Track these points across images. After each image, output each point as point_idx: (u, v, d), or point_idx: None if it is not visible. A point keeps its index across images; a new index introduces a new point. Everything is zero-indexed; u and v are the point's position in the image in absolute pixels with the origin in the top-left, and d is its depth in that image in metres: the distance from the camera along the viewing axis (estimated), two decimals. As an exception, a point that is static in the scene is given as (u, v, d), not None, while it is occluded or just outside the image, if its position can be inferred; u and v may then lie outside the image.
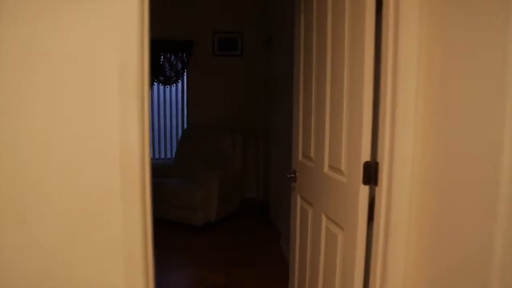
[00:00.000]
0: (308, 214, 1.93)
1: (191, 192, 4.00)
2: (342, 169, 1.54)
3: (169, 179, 4.38)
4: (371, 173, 1.36)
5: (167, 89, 5.24)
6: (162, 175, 4.53)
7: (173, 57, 5.06)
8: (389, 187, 1.29)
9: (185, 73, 5.20)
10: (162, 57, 5.04)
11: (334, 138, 1.61)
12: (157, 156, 5.38)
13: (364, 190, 1.39)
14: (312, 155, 1.86)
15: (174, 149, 5.32)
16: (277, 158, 4.08)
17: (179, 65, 5.09)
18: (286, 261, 3.28)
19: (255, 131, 5.40)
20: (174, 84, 5.18)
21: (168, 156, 5.40)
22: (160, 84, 5.15)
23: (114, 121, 1.32)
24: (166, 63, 5.04)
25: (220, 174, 4.23)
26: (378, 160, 1.34)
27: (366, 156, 1.38)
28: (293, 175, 2.10)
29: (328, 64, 1.65)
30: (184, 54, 5.08)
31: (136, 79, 1.29)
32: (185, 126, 5.36)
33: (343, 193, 1.53)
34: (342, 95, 1.52)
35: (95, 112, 1.31)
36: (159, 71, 5.04)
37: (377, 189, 1.35)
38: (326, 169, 1.70)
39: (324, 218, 1.73)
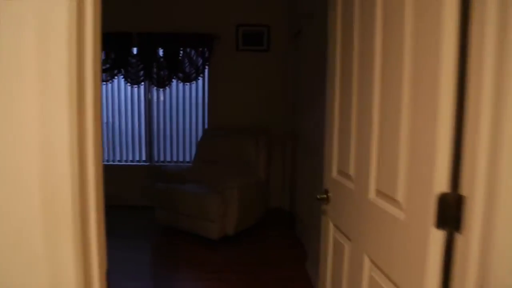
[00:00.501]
0: (343, 250, 1.44)
1: (208, 200, 3.57)
2: (398, 198, 1.04)
3: (183, 185, 3.96)
4: (449, 212, 0.87)
5: (187, 87, 4.86)
6: (177, 180, 4.13)
7: (193, 52, 4.67)
8: (485, 237, 0.79)
9: (206, 70, 4.79)
10: (181, 52, 4.65)
11: (386, 152, 1.12)
12: (175, 159, 5.00)
13: (437, 236, 0.89)
14: (351, 172, 1.38)
15: (193, 152, 4.93)
16: (306, 165, 3.59)
17: (200, 61, 4.69)
18: (313, 289, 2.78)
19: (282, 134, 4.90)
20: (194, 82, 4.78)
21: (187, 159, 5.01)
22: (179, 82, 4.77)
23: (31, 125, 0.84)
24: (186, 59, 4.66)
25: (242, 181, 3.78)
26: (464, 192, 0.84)
27: (441, 185, 0.88)
28: (324, 196, 1.61)
29: (378, 41, 1.16)
30: (205, 49, 4.67)
31: (67, 55, 0.82)
32: (206, 126, 4.95)
33: (400, 235, 1.03)
34: (400, 89, 1.02)
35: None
36: (178, 67, 4.66)
37: (460, 237, 0.85)
38: (371, 194, 1.21)
39: (367, 263, 1.24)
